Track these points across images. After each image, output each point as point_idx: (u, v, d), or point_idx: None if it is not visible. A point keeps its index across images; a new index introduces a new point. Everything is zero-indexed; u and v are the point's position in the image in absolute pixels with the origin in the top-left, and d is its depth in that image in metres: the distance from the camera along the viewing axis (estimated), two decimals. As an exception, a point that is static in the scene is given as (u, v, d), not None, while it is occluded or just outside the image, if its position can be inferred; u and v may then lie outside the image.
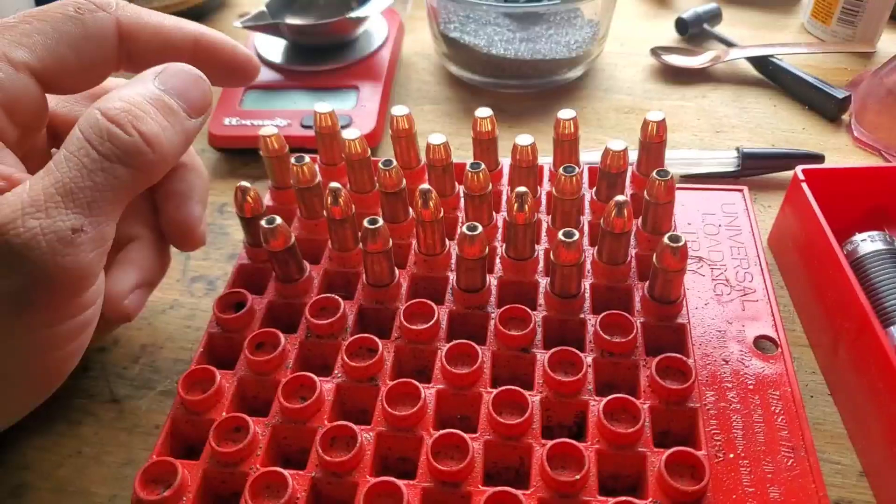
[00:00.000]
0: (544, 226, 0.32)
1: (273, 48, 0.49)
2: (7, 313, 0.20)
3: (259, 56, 0.49)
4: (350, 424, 0.24)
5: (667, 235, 0.26)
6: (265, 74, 0.48)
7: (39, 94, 0.24)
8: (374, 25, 0.51)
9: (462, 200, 0.33)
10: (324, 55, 0.48)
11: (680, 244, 0.26)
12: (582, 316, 0.28)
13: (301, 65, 0.48)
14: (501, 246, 0.31)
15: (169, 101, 0.23)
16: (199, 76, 0.25)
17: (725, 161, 0.40)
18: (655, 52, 0.51)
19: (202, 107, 0.24)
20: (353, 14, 0.47)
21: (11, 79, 0.22)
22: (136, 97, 0.22)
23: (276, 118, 0.44)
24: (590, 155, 0.40)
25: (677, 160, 0.40)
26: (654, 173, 0.29)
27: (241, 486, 0.23)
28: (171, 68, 0.24)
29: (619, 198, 0.27)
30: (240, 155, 0.45)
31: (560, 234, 0.26)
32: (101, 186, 0.21)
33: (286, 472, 0.23)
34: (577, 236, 0.26)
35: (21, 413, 0.25)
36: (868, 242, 0.31)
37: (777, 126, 0.45)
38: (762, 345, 0.30)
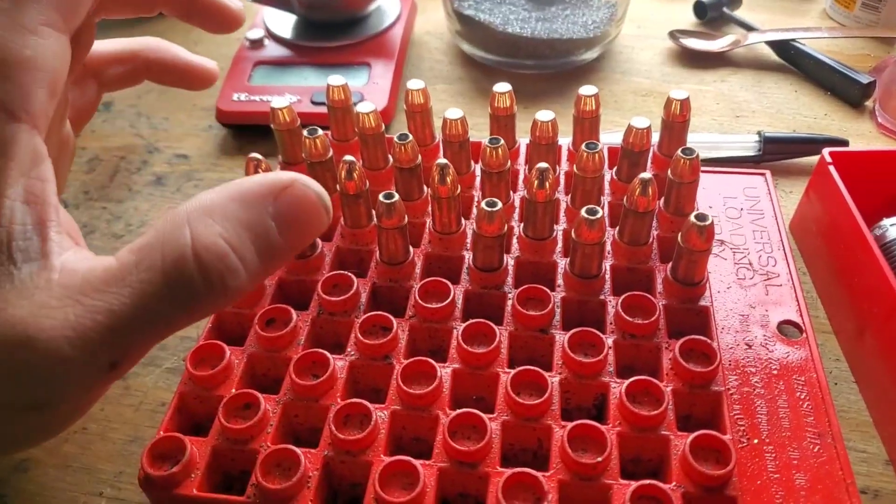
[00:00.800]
0: (563, 206, 0.31)
1: (283, 23, 0.48)
2: (15, 415, 0.18)
3: (269, 31, 0.48)
4: (364, 402, 0.23)
5: (693, 214, 0.25)
6: (275, 50, 0.47)
7: (69, 56, 0.21)
8: (386, 2, 0.50)
9: (478, 178, 0.33)
10: (335, 31, 0.47)
11: (707, 223, 0.25)
12: (602, 297, 0.27)
13: (311, 40, 0.47)
14: (519, 226, 0.30)
15: (276, 238, 0.19)
16: (322, 205, 0.20)
17: (746, 145, 0.39)
18: (674, 35, 0.50)
19: (309, 242, 0.21)
20: (366, -11, 0.46)
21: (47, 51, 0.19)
22: (241, 233, 0.18)
23: (286, 94, 0.43)
24: (607, 137, 0.39)
25: (697, 143, 0.39)
26: (678, 151, 0.28)
27: (252, 463, 0.22)
28: (297, 191, 0.19)
29: (644, 175, 0.26)
30: (248, 131, 0.44)
31: (583, 212, 0.25)
32: (155, 330, 0.18)
33: (298, 451, 0.22)
34: (600, 213, 0.25)
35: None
36: (897, 227, 0.30)
37: (798, 111, 0.44)
38: (786, 330, 0.29)
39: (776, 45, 0.48)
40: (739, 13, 0.53)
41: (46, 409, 0.18)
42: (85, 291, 0.17)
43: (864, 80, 0.43)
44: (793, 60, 0.47)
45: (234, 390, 0.24)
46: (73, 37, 0.21)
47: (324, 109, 0.33)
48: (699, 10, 0.53)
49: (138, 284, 0.18)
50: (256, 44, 0.47)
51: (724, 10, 0.52)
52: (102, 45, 0.29)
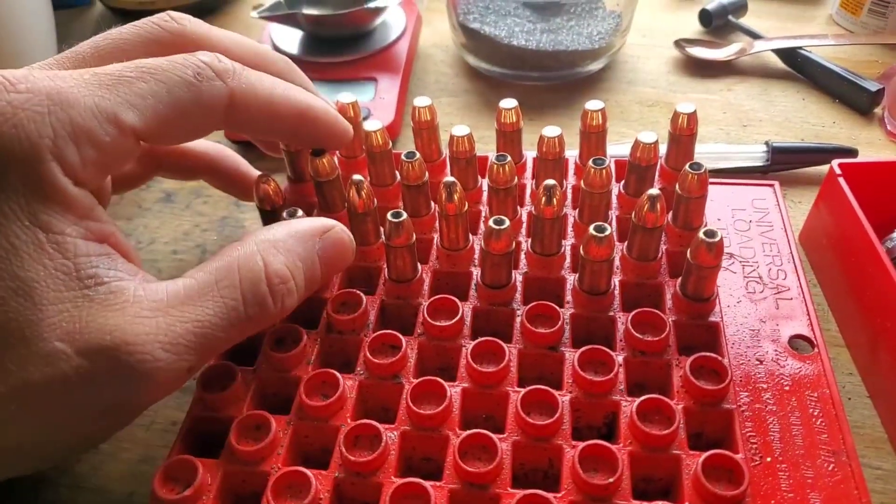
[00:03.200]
0: (570, 220, 0.31)
1: (289, 39, 0.49)
2: (98, 416, 0.21)
3: (276, 47, 0.48)
4: (374, 423, 0.23)
5: (702, 230, 0.25)
6: (282, 66, 0.47)
7: (136, 152, 0.23)
8: (391, 16, 0.50)
9: (485, 194, 0.33)
10: (341, 46, 0.47)
11: (716, 240, 0.25)
12: (611, 314, 0.27)
13: (318, 56, 0.47)
14: (526, 241, 0.30)
15: (318, 270, 0.24)
16: (352, 248, 0.26)
17: (754, 155, 0.39)
18: (679, 44, 0.50)
19: (336, 274, 0.27)
20: (371, 4, 0.46)
21: (116, 142, 0.21)
22: (298, 263, 0.23)
23: (294, 110, 0.43)
24: (613, 148, 0.39)
25: (704, 154, 0.39)
26: (686, 166, 0.28)
27: (263, 485, 0.22)
28: (336, 235, 0.25)
29: (652, 191, 0.26)
30: (257, 147, 0.44)
31: (591, 229, 0.25)
32: (228, 337, 0.22)
33: (309, 472, 0.22)
34: (609, 231, 0.25)
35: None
36: (908, 239, 0.29)
37: (806, 120, 0.44)
38: (797, 344, 0.29)
39: (783, 53, 0.48)
40: (745, 21, 0.53)
41: (128, 409, 0.21)
42: (172, 304, 0.20)
43: (873, 87, 0.43)
44: (800, 68, 0.47)
45: (244, 411, 0.24)
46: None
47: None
48: (704, 18, 0.53)
49: (220, 299, 0.21)
50: (263, 59, 0.47)
51: (730, 17, 0.52)
52: None
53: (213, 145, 0.33)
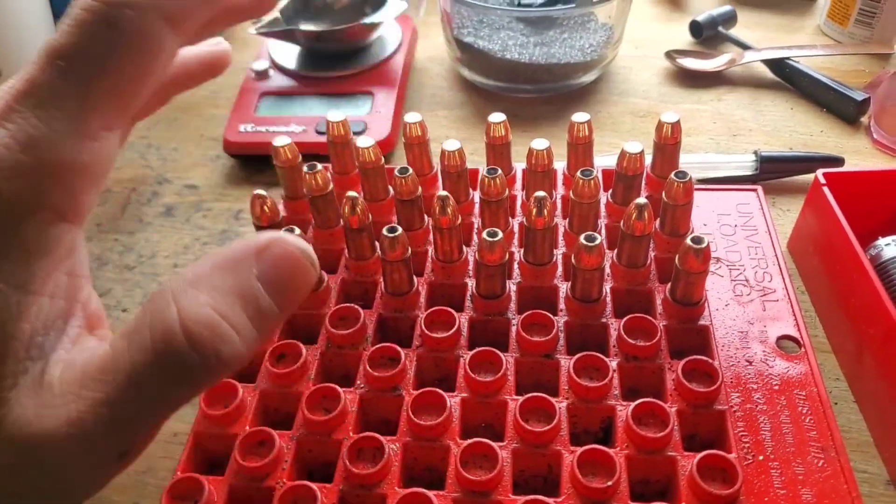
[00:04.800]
0: (561, 230, 0.32)
1: (287, 54, 0.50)
2: None
3: (274, 62, 0.49)
4: (376, 435, 0.24)
5: (689, 237, 0.26)
6: (280, 80, 0.48)
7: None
8: (388, 31, 0.51)
9: (477, 206, 0.33)
10: (338, 61, 0.48)
11: (703, 246, 0.25)
12: (604, 320, 0.28)
13: (316, 71, 0.48)
14: (519, 251, 0.31)
15: (265, 301, 0.19)
16: (306, 259, 0.19)
17: (743, 164, 0.40)
18: (670, 55, 0.51)
19: (299, 300, 0.20)
20: (368, 20, 0.47)
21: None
22: (229, 300, 0.18)
23: (292, 124, 0.44)
24: (606, 159, 0.40)
25: (695, 164, 0.40)
26: (672, 175, 0.28)
27: (269, 500, 0.23)
28: (279, 249, 0.19)
29: (640, 200, 0.27)
30: (255, 161, 0.45)
31: (582, 239, 0.26)
32: (157, 412, 0.18)
33: (314, 486, 0.22)
34: (598, 240, 0.26)
35: None
36: (892, 247, 0.30)
37: (794, 129, 0.45)
38: (785, 345, 0.29)
39: (771, 63, 0.49)
40: (734, 31, 0.53)
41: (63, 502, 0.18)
42: (84, 384, 0.17)
43: (859, 97, 0.43)
44: (788, 78, 0.48)
45: (247, 428, 0.25)
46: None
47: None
48: (695, 29, 0.53)
49: (131, 368, 0.17)
50: (262, 75, 0.48)
51: (720, 29, 0.53)
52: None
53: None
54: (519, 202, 0.34)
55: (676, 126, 0.31)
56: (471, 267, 0.30)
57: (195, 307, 0.17)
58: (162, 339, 0.17)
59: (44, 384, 0.17)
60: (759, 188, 0.37)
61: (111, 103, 0.19)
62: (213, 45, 0.27)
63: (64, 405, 0.17)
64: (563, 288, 0.29)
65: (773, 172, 0.40)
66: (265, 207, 0.30)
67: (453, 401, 0.25)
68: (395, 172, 0.29)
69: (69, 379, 0.17)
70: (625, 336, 0.26)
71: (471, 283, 0.30)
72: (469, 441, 0.23)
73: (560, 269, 0.30)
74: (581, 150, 0.33)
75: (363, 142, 0.31)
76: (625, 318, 0.27)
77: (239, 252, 0.19)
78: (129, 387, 0.17)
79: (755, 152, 0.40)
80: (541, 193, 0.27)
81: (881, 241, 0.31)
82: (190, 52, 0.28)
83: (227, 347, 0.18)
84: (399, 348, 0.26)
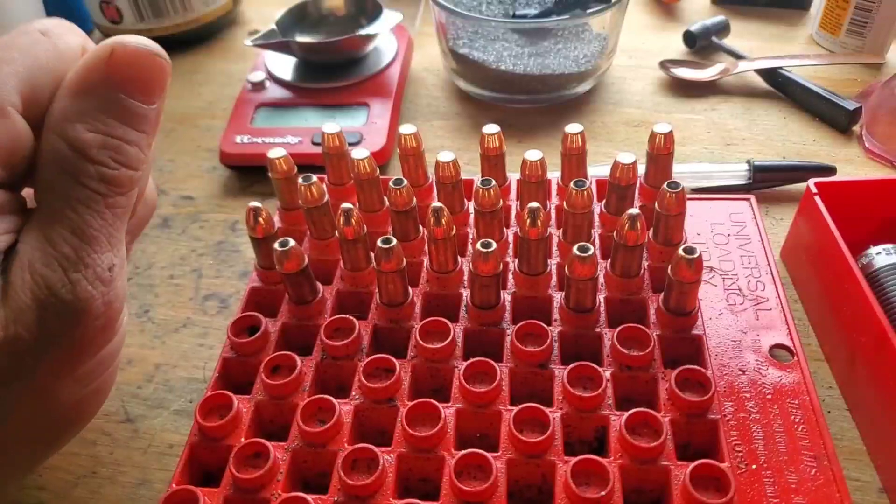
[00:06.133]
0: (555, 240, 0.32)
1: (284, 66, 0.50)
2: (59, 360, 0.21)
3: (270, 73, 0.49)
4: (371, 447, 0.24)
5: (682, 247, 0.26)
6: (276, 91, 0.48)
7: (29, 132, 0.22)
8: (383, 42, 0.51)
9: (472, 217, 0.34)
10: (334, 72, 0.49)
11: (695, 256, 0.26)
12: (598, 330, 0.28)
13: (312, 82, 0.48)
14: (513, 261, 0.31)
15: (132, 105, 0.21)
16: (152, 54, 0.21)
17: (736, 174, 0.40)
18: (664, 65, 0.51)
19: (161, 87, 0.22)
20: (363, 31, 0.47)
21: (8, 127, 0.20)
22: (101, 119, 0.20)
23: (288, 136, 0.44)
24: (598, 169, 0.40)
25: (688, 174, 0.40)
26: (664, 185, 0.29)
27: (263, 511, 0.23)
28: (120, 55, 0.20)
29: (632, 211, 0.27)
30: (251, 172, 0.45)
31: (575, 249, 0.26)
32: (112, 220, 0.21)
33: (310, 498, 0.23)
34: (592, 251, 0.26)
35: (53, 452, 0.26)
36: (883, 255, 0.30)
37: (787, 138, 0.45)
38: (778, 354, 0.30)
39: (765, 73, 0.49)
40: (728, 41, 0.54)
41: (78, 349, 0.21)
42: (47, 232, 0.20)
43: (851, 106, 0.44)
44: (781, 88, 0.48)
45: (243, 439, 0.25)
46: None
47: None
48: (689, 39, 0.54)
49: (68, 200, 0.20)
50: (258, 86, 0.48)
51: (713, 38, 0.54)
52: None
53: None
54: (513, 213, 0.34)
55: (669, 137, 0.31)
56: (465, 277, 0.30)
57: (79, 134, 0.20)
58: (74, 171, 0.20)
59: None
60: (753, 197, 0.37)
61: None
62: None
63: (41, 252, 0.20)
64: (558, 298, 0.29)
65: (766, 182, 0.40)
66: (260, 219, 0.30)
67: (448, 411, 0.25)
68: (391, 183, 0.30)
69: (35, 244, 0.20)
70: (618, 346, 0.26)
71: (465, 293, 0.30)
72: (463, 452, 0.23)
73: (554, 279, 0.30)
74: (574, 161, 0.33)
75: (358, 153, 0.31)
76: (618, 328, 0.27)
77: (89, 71, 0.20)
78: (81, 214, 0.20)
79: (748, 161, 0.40)
80: (534, 204, 0.27)
81: (872, 250, 0.31)
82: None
83: (123, 154, 0.21)
84: (394, 359, 0.26)
